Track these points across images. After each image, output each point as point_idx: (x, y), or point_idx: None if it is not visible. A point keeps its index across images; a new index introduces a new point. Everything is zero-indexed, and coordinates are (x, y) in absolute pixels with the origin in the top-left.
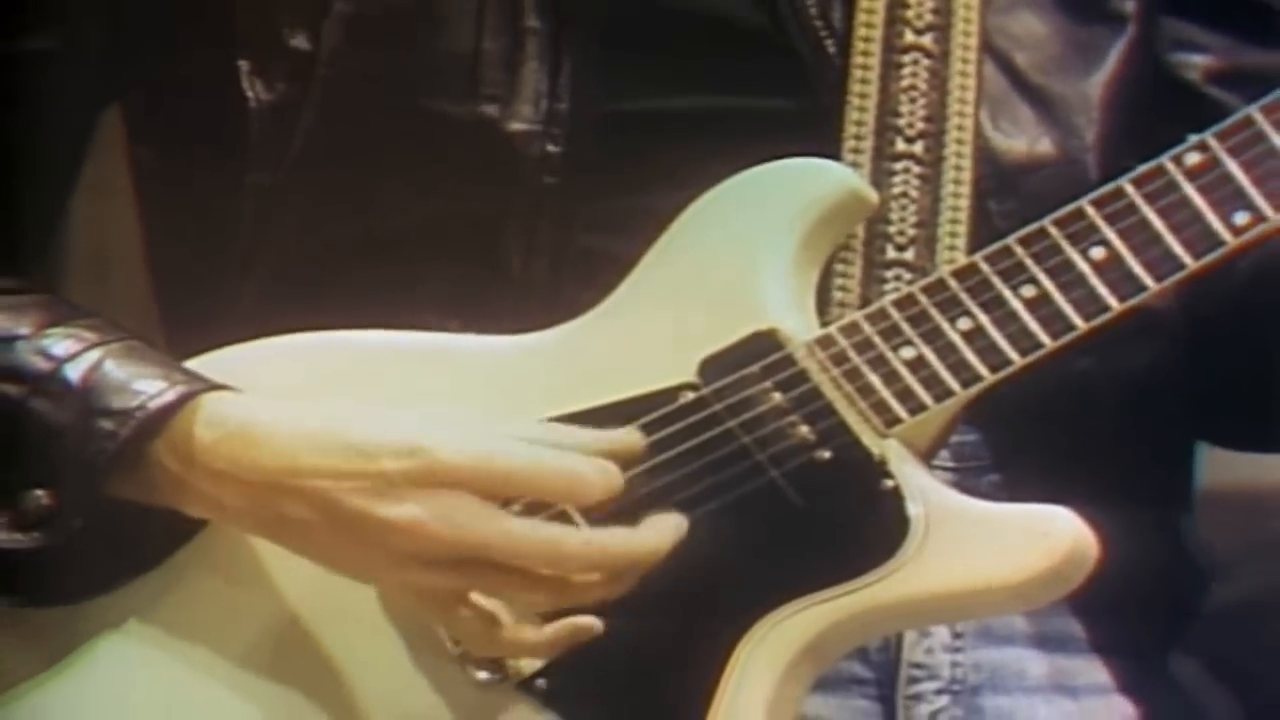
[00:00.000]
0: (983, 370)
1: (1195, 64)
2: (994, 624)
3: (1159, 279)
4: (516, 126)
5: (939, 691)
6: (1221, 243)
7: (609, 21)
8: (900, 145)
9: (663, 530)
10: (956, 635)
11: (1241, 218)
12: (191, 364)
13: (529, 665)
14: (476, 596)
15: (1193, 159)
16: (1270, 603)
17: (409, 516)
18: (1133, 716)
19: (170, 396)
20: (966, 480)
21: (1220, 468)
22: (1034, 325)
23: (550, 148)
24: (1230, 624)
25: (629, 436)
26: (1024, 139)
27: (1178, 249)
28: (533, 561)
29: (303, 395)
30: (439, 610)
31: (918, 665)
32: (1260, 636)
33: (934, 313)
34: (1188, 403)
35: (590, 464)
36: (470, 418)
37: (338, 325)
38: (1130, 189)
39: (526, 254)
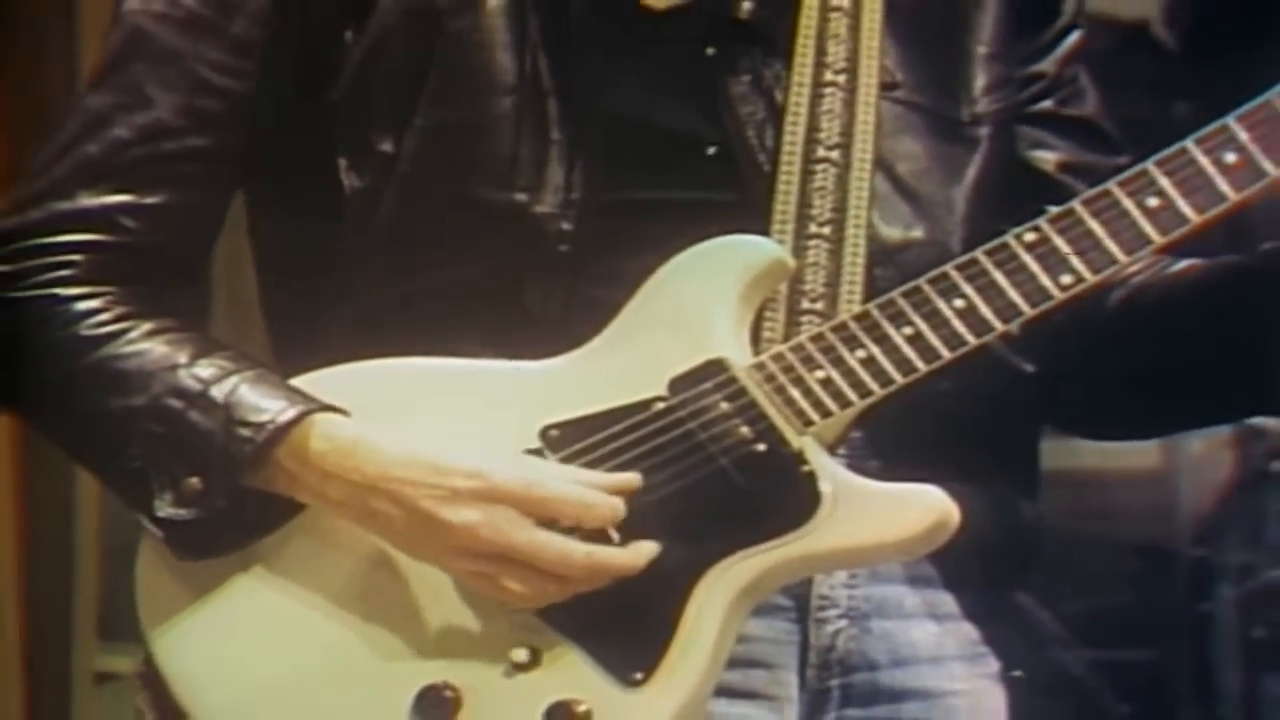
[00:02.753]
0: (874, 386)
1: (1048, 159)
2: (880, 568)
3: (1005, 321)
4: (541, 210)
5: (839, 616)
6: (1050, 297)
7: (608, 137)
8: (813, 228)
9: (640, 552)
10: (852, 576)
11: (1066, 279)
12: (296, 381)
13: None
14: (509, 580)
15: (1029, 236)
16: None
17: (465, 520)
18: (977, 636)
19: (291, 414)
20: (857, 464)
21: (1053, 455)
22: (912, 354)
23: (565, 226)
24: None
25: (631, 478)
26: (901, 227)
27: (1018, 299)
28: (549, 565)
29: (381, 406)
30: (478, 583)
31: (824, 597)
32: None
33: (839, 346)
34: (1044, 409)
35: (601, 499)
36: (522, 457)
37: (405, 353)
38: (983, 258)
39: (545, 302)
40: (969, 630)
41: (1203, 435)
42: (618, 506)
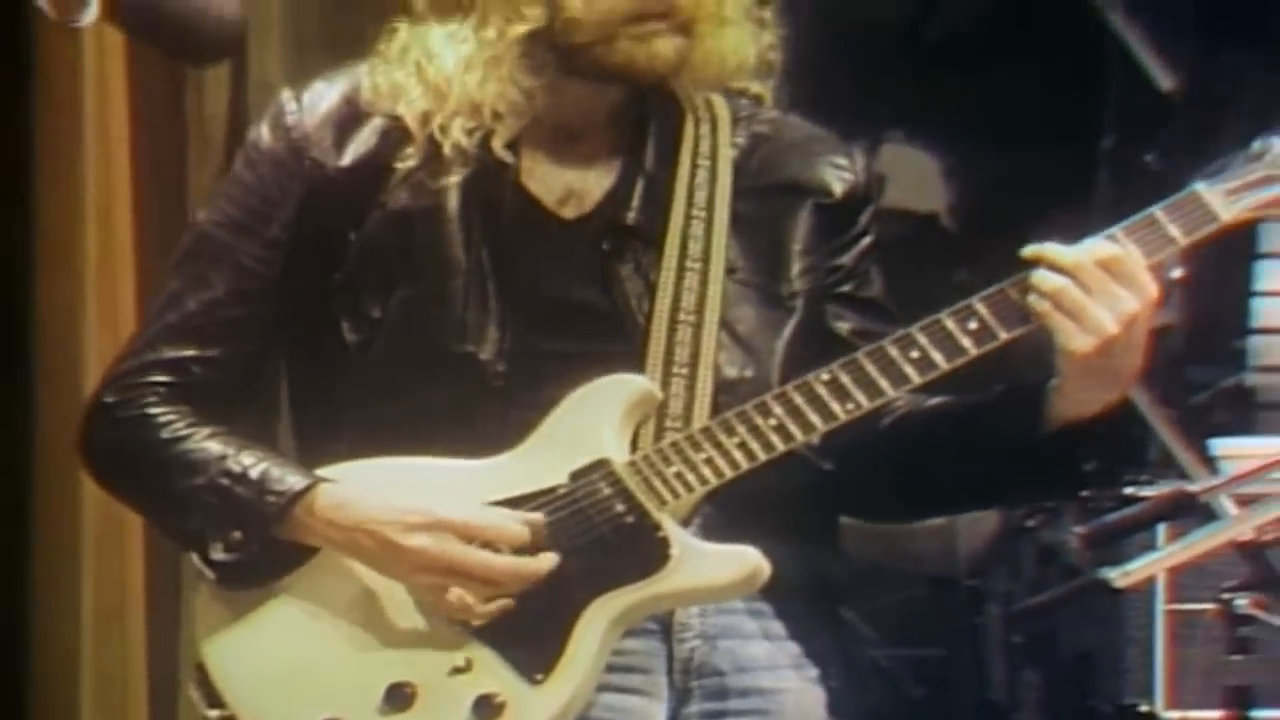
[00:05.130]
0: (712, 479)
1: (844, 327)
2: (725, 604)
3: (805, 433)
4: (484, 357)
5: (695, 637)
6: (837, 418)
7: (530, 306)
8: (675, 369)
9: (544, 561)
10: (704, 609)
11: (850, 405)
12: (322, 471)
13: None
14: (454, 590)
15: (825, 375)
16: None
17: (419, 544)
18: (799, 650)
19: (303, 484)
20: (706, 532)
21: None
22: (739, 456)
23: (500, 368)
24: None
25: (535, 519)
26: (737, 369)
27: (815, 419)
28: (480, 572)
29: (377, 489)
30: (432, 594)
31: (682, 624)
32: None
33: (688, 450)
34: (839, 498)
35: (516, 529)
36: (464, 503)
37: (392, 454)
38: (790, 390)
39: (486, 420)
40: (794, 647)
41: None
42: (523, 531)
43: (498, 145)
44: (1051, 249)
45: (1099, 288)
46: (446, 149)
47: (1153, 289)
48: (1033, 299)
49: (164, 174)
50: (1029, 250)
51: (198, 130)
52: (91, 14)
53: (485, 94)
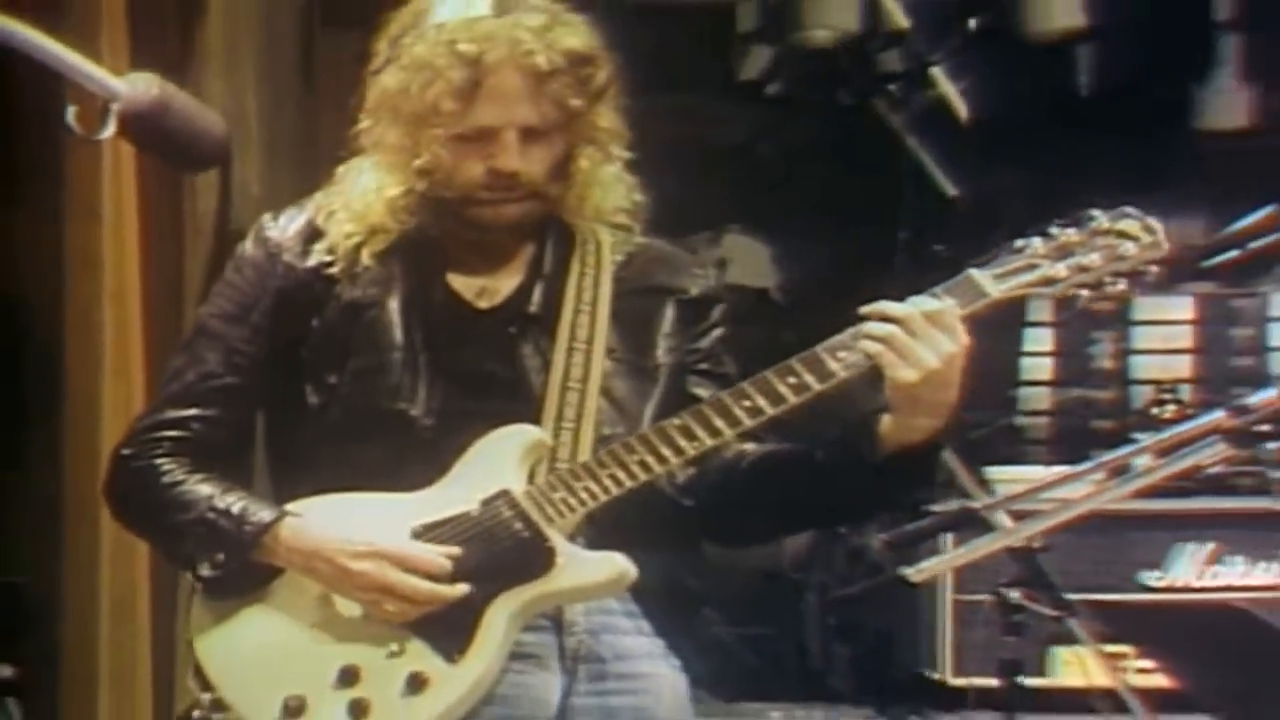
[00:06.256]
0: (590, 501)
1: (702, 393)
2: (604, 604)
3: (662, 465)
4: (416, 414)
5: (581, 631)
6: (685, 453)
7: (451, 375)
8: (565, 425)
9: (457, 590)
10: (588, 609)
11: (695, 444)
12: (290, 506)
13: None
14: (387, 603)
15: (676, 422)
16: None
17: (361, 568)
18: (664, 645)
19: (271, 516)
20: (588, 543)
21: None
22: (610, 485)
23: (428, 423)
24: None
25: (454, 551)
26: (610, 426)
27: (669, 455)
28: (408, 594)
29: (335, 517)
30: (372, 607)
31: (571, 620)
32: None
33: (571, 481)
34: (704, 528)
35: (440, 561)
36: (400, 533)
37: (344, 489)
38: (650, 434)
39: (417, 462)
40: (659, 641)
41: None
42: (445, 564)
43: (406, 263)
44: (885, 304)
45: (923, 333)
46: (365, 261)
47: (965, 336)
48: (867, 343)
49: (166, 258)
50: (868, 307)
51: (193, 223)
52: (109, 131)
53: (388, 224)
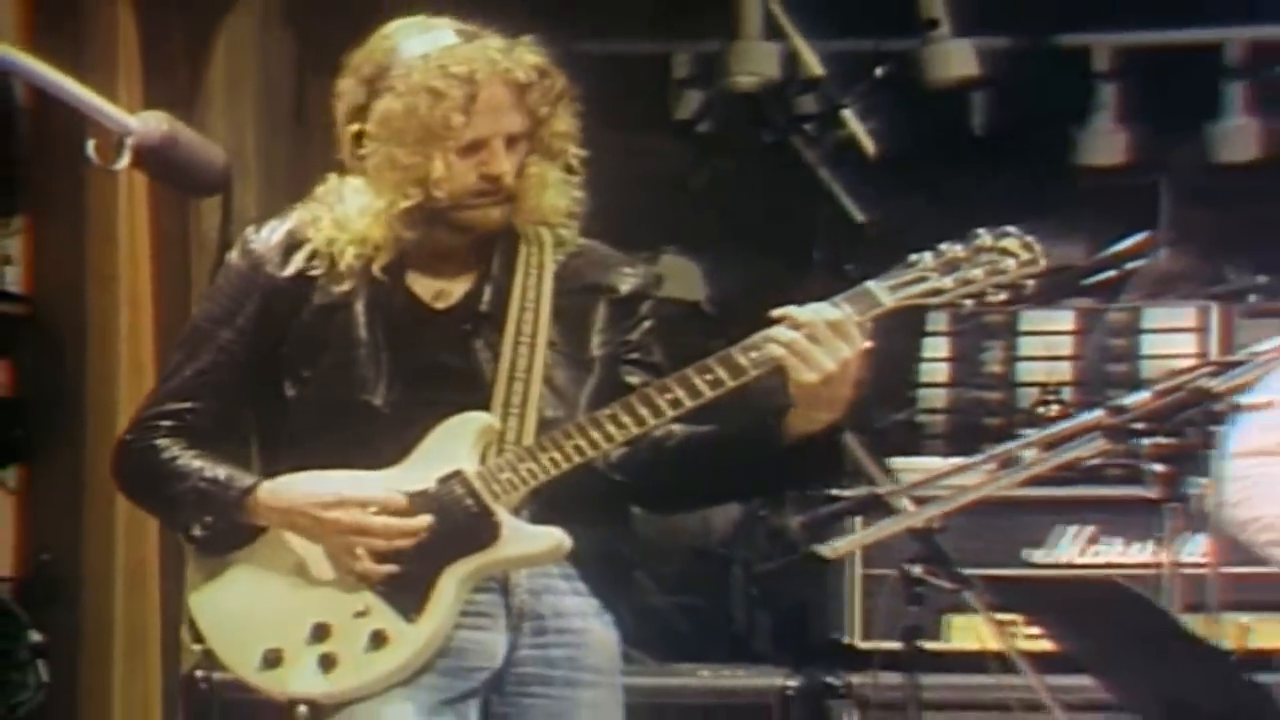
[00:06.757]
0: (531, 481)
1: (634, 381)
2: (545, 569)
3: (595, 450)
4: (378, 403)
5: (525, 592)
6: (614, 439)
7: (412, 368)
8: (511, 410)
9: (420, 521)
10: (530, 573)
11: (623, 430)
12: (275, 480)
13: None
14: (359, 552)
15: (608, 413)
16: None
17: (334, 516)
18: (598, 604)
19: (250, 482)
20: (532, 517)
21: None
22: (549, 465)
23: (389, 411)
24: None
25: (410, 492)
26: (552, 410)
27: (599, 440)
28: (378, 531)
29: (306, 485)
30: (345, 555)
31: (515, 583)
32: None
33: (516, 463)
34: (634, 497)
35: (398, 498)
36: (366, 490)
37: (319, 468)
38: (585, 421)
39: (381, 445)
40: (595, 601)
41: None
42: (402, 500)
43: (376, 268)
44: (792, 310)
45: (823, 338)
46: (341, 266)
47: (862, 341)
48: (772, 346)
49: (174, 272)
50: (777, 311)
51: (198, 242)
52: (125, 162)
53: (372, 233)
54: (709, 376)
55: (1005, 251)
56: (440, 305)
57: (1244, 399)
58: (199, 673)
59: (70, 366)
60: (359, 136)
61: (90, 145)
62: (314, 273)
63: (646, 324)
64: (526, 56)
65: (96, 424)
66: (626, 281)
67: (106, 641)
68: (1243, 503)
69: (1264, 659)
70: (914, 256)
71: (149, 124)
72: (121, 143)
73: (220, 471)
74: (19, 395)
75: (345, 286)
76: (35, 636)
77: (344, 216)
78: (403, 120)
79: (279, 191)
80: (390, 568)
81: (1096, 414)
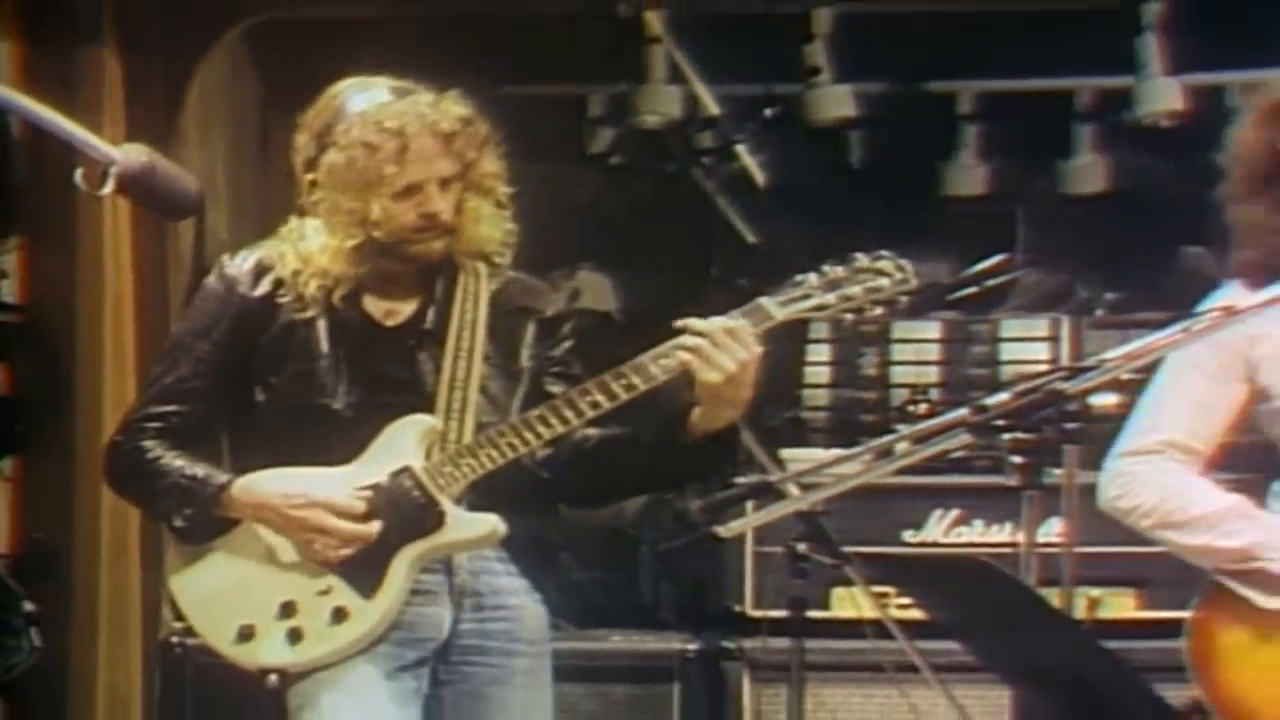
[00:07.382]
0: (470, 475)
1: (555, 390)
2: (484, 553)
3: (525, 447)
4: (338, 407)
5: (466, 572)
6: (532, 442)
7: (366, 378)
8: (452, 414)
9: (372, 527)
10: (471, 556)
11: (550, 430)
12: (246, 478)
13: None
14: (320, 542)
15: (536, 414)
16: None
17: (301, 514)
18: (528, 583)
19: (225, 479)
20: (471, 506)
21: None
22: (486, 461)
23: (349, 414)
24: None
25: (368, 496)
26: (487, 416)
27: (530, 438)
28: (337, 534)
29: (275, 483)
30: (308, 548)
31: (458, 564)
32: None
33: (458, 460)
34: (559, 494)
35: (358, 504)
36: (328, 486)
37: (288, 464)
38: (516, 422)
39: (339, 444)
40: (525, 581)
41: None
42: (361, 505)
43: (336, 297)
44: (695, 320)
45: (724, 344)
46: (306, 295)
47: (757, 347)
48: (680, 352)
49: (154, 287)
50: (682, 322)
51: (174, 260)
52: (109, 189)
53: (330, 267)
54: (623, 382)
55: (880, 271)
56: (390, 323)
57: (1093, 400)
58: (174, 639)
59: (61, 369)
60: (313, 184)
61: (79, 174)
62: (281, 299)
63: (568, 342)
64: (453, 109)
65: (85, 420)
66: (551, 305)
67: (92, 611)
68: (1124, 495)
69: (1111, 628)
70: (800, 276)
71: (131, 155)
72: (106, 172)
73: (199, 470)
74: (15, 395)
75: (309, 313)
76: (29, 606)
77: (306, 252)
78: (344, 171)
79: (246, 215)
80: (348, 552)
81: (961, 412)
